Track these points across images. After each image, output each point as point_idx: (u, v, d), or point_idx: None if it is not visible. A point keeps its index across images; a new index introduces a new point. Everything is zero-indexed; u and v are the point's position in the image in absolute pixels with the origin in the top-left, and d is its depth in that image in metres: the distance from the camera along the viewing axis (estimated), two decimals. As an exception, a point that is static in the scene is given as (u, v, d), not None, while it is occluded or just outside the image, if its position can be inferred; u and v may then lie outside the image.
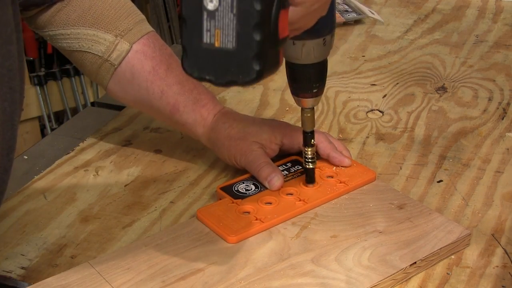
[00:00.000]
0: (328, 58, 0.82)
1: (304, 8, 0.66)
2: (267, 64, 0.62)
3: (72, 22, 0.93)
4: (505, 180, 0.95)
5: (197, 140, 0.99)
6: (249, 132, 0.93)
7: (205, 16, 0.61)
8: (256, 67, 0.61)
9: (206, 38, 0.61)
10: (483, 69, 1.26)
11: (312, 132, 0.86)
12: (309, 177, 0.89)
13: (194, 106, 0.95)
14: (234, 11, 0.60)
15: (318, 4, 0.68)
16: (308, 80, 0.82)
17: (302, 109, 0.85)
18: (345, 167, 0.92)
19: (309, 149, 0.87)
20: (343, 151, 0.95)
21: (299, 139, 0.92)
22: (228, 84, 0.62)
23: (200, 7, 0.60)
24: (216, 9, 0.60)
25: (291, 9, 0.66)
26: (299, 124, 1.08)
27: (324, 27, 0.78)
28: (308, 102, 0.84)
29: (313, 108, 0.85)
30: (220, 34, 0.61)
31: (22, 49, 0.79)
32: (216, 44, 0.61)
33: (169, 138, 1.07)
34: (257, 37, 0.60)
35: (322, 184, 0.90)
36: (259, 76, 0.62)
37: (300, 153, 0.94)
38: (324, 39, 0.79)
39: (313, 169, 0.88)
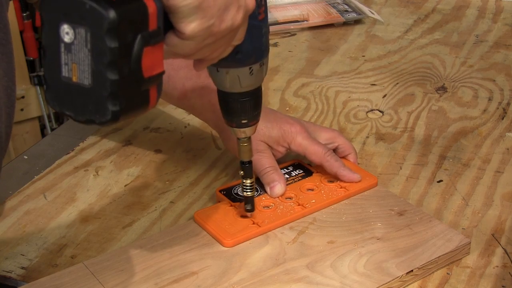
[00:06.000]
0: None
1: (196, 42, 0.62)
2: (128, 105, 0.58)
3: None
4: (505, 180, 0.95)
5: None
6: (258, 129, 0.91)
7: (62, 49, 0.56)
8: (112, 108, 0.57)
9: (64, 72, 0.57)
10: (483, 69, 1.26)
11: (250, 163, 0.81)
12: (249, 205, 0.83)
13: (202, 91, 0.93)
14: (88, 46, 0.56)
15: (213, 38, 0.63)
16: (239, 110, 0.76)
17: (238, 139, 0.79)
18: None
19: (249, 181, 0.82)
20: (351, 155, 0.93)
21: (309, 149, 0.90)
22: (87, 122, 0.59)
23: (58, 38, 0.56)
24: (72, 42, 0.56)
25: (180, 42, 0.62)
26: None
27: (247, 56, 0.72)
28: (242, 132, 0.78)
29: (250, 137, 0.79)
30: (76, 69, 0.57)
31: (11, 50, 0.79)
32: (74, 79, 0.57)
33: (169, 138, 1.07)
34: (112, 76, 0.56)
35: (323, 189, 0.89)
36: (116, 117, 0.57)
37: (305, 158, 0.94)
38: (250, 68, 0.73)
39: (252, 197, 0.83)
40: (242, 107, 0.76)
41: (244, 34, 0.68)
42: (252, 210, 0.84)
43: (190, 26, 0.61)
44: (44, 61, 0.58)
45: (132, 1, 0.57)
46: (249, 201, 0.83)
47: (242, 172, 0.82)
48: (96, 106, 0.57)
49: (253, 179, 0.82)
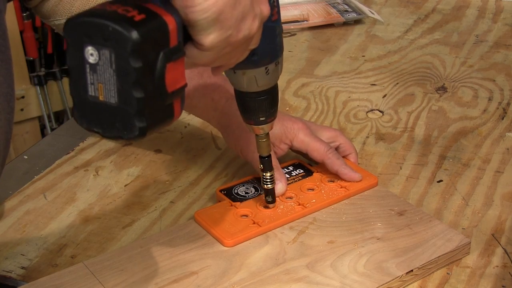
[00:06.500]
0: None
1: (214, 52, 0.64)
2: (154, 120, 0.60)
3: (76, 10, 0.92)
4: (505, 180, 0.95)
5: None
6: None
7: (87, 69, 0.58)
8: (139, 124, 0.59)
9: (90, 91, 0.59)
10: (483, 69, 1.26)
11: (269, 157, 0.83)
12: (270, 197, 0.85)
13: (205, 90, 0.94)
14: (113, 67, 0.57)
15: (231, 47, 0.65)
16: (257, 108, 0.78)
17: (256, 135, 0.82)
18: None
19: (269, 173, 0.84)
20: (352, 154, 0.94)
21: (311, 146, 0.90)
22: (115, 138, 0.61)
23: (83, 59, 0.58)
24: (97, 63, 0.58)
25: (199, 53, 0.63)
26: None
27: (263, 57, 0.74)
28: (260, 129, 0.81)
29: (268, 133, 0.81)
30: (103, 88, 0.58)
31: (10, 57, 0.79)
32: (100, 98, 0.59)
33: (169, 138, 1.07)
34: (137, 94, 0.58)
35: (323, 189, 0.89)
36: (143, 133, 0.59)
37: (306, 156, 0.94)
38: (266, 68, 0.75)
39: (273, 189, 0.85)
40: (260, 105, 0.78)
41: (259, 38, 0.69)
42: (273, 201, 0.85)
43: (209, 38, 0.62)
44: (70, 81, 0.60)
45: (153, 20, 0.58)
46: (270, 193, 0.85)
47: (261, 166, 0.83)
48: (124, 123, 0.59)
49: (272, 172, 0.84)
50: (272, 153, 0.90)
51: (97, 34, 0.57)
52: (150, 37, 0.58)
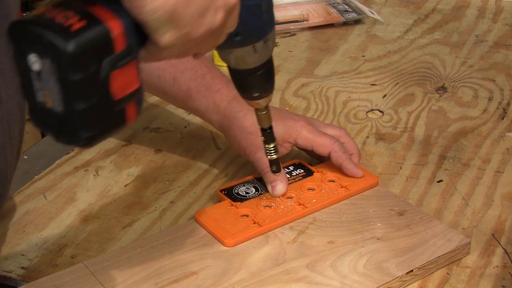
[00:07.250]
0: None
1: (176, 48, 0.60)
2: (102, 128, 0.57)
3: None
4: (505, 180, 0.95)
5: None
6: None
7: (33, 76, 0.55)
8: (85, 135, 0.56)
9: (38, 97, 0.56)
10: (483, 69, 1.26)
11: (271, 128, 0.81)
12: (275, 167, 0.84)
13: (207, 92, 0.94)
14: (55, 76, 0.54)
15: (194, 42, 0.61)
16: (249, 85, 0.76)
17: (255, 109, 0.80)
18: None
19: (272, 144, 0.82)
20: (354, 155, 0.93)
21: (317, 141, 0.90)
22: (68, 144, 0.58)
23: (28, 66, 0.55)
24: (41, 71, 0.54)
25: (160, 51, 0.60)
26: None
27: (247, 37, 0.70)
28: (256, 103, 0.78)
29: (267, 106, 0.79)
30: (49, 95, 0.55)
31: None
32: (48, 105, 0.56)
33: (169, 138, 1.07)
34: (79, 106, 0.55)
35: (323, 188, 0.89)
36: (90, 143, 0.57)
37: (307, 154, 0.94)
38: (253, 46, 0.71)
39: (277, 159, 0.84)
40: (251, 82, 0.76)
41: (236, 21, 0.65)
42: (278, 171, 0.85)
43: (164, 37, 0.59)
44: (21, 86, 0.57)
45: (93, 27, 0.54)
46: (274, 163, 0.84)
47: (263, 137, 0.82)
48: (71, 132, 0.57)
49: (275, 142, 0.83)
50: None
51: (37, 44, 0.54)
52: (89, 47, 0.54)
